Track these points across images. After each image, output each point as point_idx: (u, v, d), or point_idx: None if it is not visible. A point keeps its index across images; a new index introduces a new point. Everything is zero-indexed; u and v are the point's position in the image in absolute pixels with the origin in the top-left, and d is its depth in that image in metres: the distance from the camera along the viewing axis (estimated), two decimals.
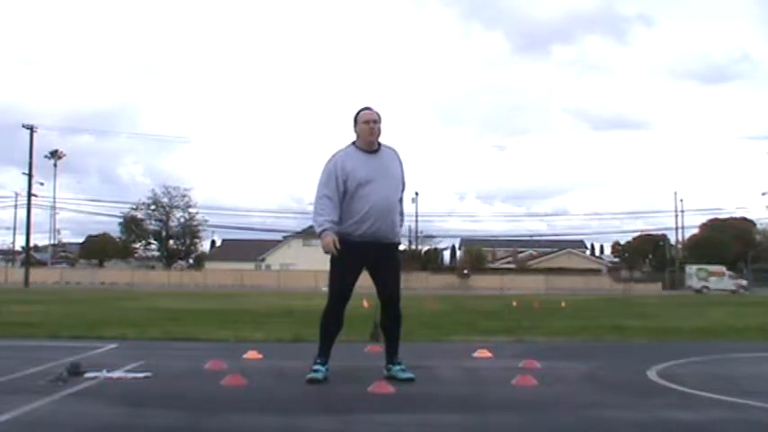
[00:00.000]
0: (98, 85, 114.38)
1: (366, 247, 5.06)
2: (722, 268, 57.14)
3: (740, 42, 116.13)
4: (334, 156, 5.19)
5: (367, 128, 5.13)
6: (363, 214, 5.02)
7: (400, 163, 5.31)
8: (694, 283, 55.55)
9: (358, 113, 5.21)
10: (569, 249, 74.95)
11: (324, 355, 5.09)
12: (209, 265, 70.52)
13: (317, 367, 5.02)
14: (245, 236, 73.21)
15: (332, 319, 5.14)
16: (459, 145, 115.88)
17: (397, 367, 5.14)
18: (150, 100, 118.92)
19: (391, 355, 5.21)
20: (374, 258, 5.12)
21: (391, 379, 4.99)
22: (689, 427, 3.81)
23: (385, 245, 5.15)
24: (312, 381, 4.93)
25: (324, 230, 5.02)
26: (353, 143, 5.22)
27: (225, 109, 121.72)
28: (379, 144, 5.23)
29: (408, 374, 5.09)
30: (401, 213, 5.37)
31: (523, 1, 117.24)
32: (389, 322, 5.23)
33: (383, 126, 5.23)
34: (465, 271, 62.60)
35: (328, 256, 5.14)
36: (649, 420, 3.91)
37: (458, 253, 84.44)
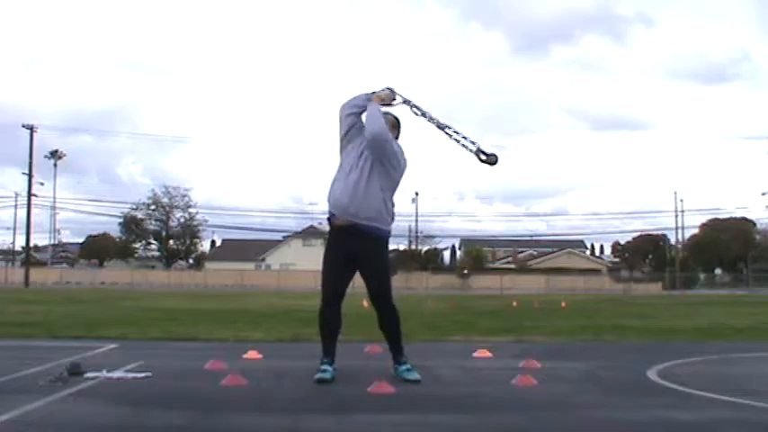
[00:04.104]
0: (98, 85, 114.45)
1: (344, 233, 5.01)
2: None
3: (740, 42, 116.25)
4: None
5: None
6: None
7: None
8: None
9: None
10: (569, 249, 74.96)
11: (329, 354, 5.07)
12: (209, 265, 70.52)
13: (324, 367, 4.99)
14: (245, 236, 73.28)
15: (326, 318, 5.13)
16: (458, 145, 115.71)
17: (403, 367, 5.12)
18: (150, 100, 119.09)
19: (395, 355, 5.19)
20: (356, 250, 5.00)
21: (394, 379, 4.98)
22: (689, 427, 3.81)
23: (360, 231, 4.96)
24: (321, 381, 4.90)
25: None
26: None
27: (225, 109, 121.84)
28: None
29: (414, 375, 5.06)
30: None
31: (522, 1, 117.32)
32: (382, 323, 5.19)
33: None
34: (465, 271, 62.61)
35: None
36: (649, 420, 3.91)
37: (458, 253, 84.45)
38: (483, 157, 5.03)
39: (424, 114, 5.15)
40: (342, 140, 5.14)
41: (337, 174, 5.10)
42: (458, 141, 5.15)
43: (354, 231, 4.97)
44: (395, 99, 5.15)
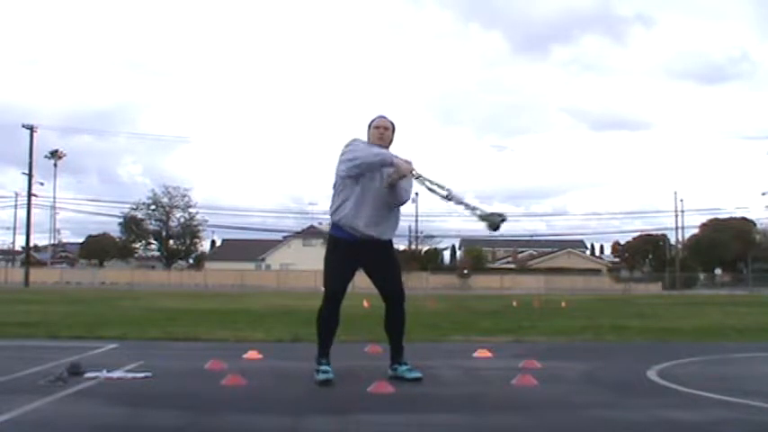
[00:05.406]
0: (98, 85, 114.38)
1: (356, 245, 5.06)
2: None
3: (739, 42, 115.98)
4: (356, 138, 5.19)
5: (377, 133, 5.17)
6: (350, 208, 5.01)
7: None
8: None
9: (373, 119, 5.25)
10: (569, 249, 74.94)
11: (326, 354, 5.07)
12: (209, 265, 70.51)
13: (325, 368, 4.98)
14: (245, 236, 73.27)
15: (326, 316, 5.11)
16: (458, 145, 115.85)
17: (404, 367, 5.13)
18: (150, 100, 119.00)
19: (397, 356, 5.20)
20: (366, 256, 5.09)
21: (394, 379, 4.99)
22: (689, 427, 3.81)
23: (374, 242, 5.09)
24: (326, 382, 4.88)
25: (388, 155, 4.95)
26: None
27: (225, 109, 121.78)
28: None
29: (416, 374, 5.08)
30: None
31: (522, 1, 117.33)
32: (393, 322, 5.20)
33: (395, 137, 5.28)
34: (465, 271, 62.59)
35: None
36: (649, 420, 3.92)
37: (458, 253, 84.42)
38: (489, 224, 4.95)
39: (433, 190, 5.03)
40: (349, 174, 5.04)
41: (354, 197, 5.03)
42: (467, 207, 5.03)
43: (367, 241, 5.06)
44: (412, 172, 4.98)
